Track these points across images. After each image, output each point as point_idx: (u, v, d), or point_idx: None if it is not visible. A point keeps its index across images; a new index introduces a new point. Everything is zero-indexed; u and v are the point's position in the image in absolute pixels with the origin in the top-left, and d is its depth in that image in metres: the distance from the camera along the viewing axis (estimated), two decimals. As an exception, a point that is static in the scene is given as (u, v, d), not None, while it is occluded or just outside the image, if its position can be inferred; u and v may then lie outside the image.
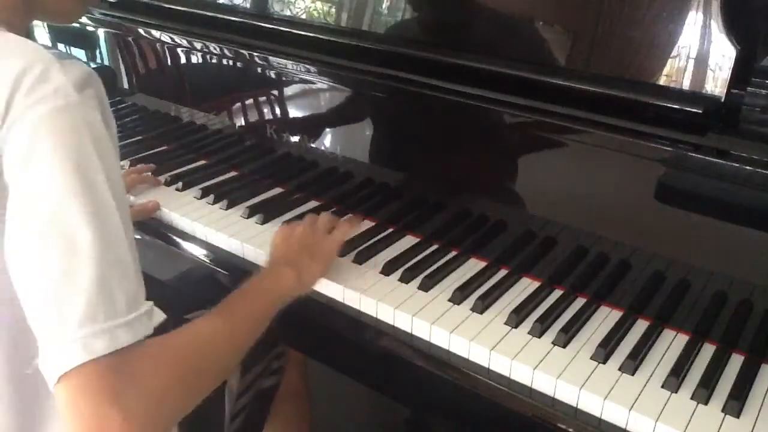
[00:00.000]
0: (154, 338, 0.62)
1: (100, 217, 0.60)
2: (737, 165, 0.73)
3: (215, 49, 1.18)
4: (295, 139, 1.13)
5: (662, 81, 0.81)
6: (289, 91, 1.11)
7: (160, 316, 0.66)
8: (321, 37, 1.07)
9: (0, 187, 0.60)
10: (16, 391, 0.69)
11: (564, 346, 0.80)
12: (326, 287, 0.92)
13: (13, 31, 0.67)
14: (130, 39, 1.32)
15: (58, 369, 0.57)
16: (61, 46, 1.47)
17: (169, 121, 1.34)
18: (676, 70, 0.80)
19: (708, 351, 0.80)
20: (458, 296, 0.88)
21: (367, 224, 1.06)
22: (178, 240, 1.08)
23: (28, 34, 0.72)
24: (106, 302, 0.59)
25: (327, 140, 1.10)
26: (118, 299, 0.60)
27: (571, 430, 0.73)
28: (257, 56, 1.12)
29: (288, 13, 1.15)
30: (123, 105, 1.41)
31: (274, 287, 0.84)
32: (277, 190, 1.18)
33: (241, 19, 1.17)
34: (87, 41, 1.40)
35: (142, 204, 1.12)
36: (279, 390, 1.16)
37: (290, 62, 1.08)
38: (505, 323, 0.84)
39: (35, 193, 0.59)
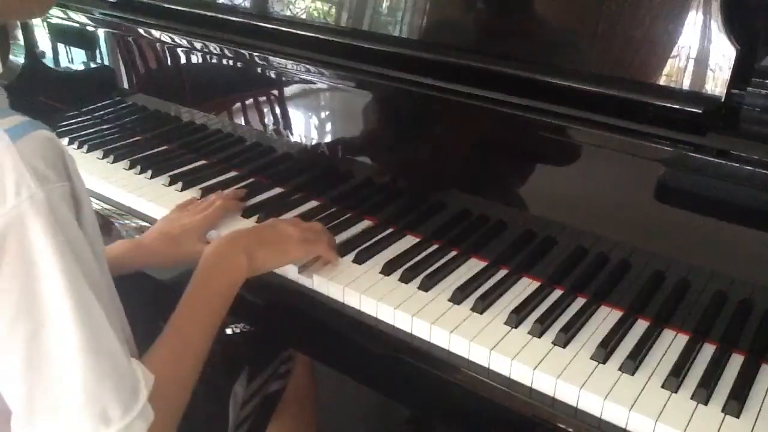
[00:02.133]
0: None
1: (85, 325, 0.57)
2: (737, 165, 0.73)
3: (215, 49, 1.18)
4: (295, 139, 1.13)
5: (662, 81, 0.81)
6: (289, 91, 1.11)
7: (149, 381, 0.64)
8: (321, 37, 1.07)
9: None
10: None
11: (564, 346, 0.80)
12: (326, 287, 0.92)
13: None
14: (130, 39, 1.32)
15: None
16: (61, 46, 1.47)
17: (169, 121, 1.34)
18: (676, 70, 0.80)
19: (708, 351, 0.80)
20: (458, 296, 0.88)
21: (367, 224, 1.06)
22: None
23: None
24: (99, 418, 0.57)
25: (327, 140, 1.10)
26: (112, 412, 0.58)
27: (571, 430, 0.73)
28: (257, 56, 1.12)
29: (288, 13, 1.15)
30: (123, 105, 1.41)
31: (228, 277, 0.82)
32: (277, 190, 1.18)
33: (241, 19, 1.17)
34: (87, 41, 1.40)
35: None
36: (285, 393, 1.16)
37: (290, 62, 1.08)
38: (505, 323, 0.84)
39: (9, 317, 0.54)
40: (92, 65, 1.42)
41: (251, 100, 1.19)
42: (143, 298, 0.94)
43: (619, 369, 0.76)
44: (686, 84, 0.79)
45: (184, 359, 0.73)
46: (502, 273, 0.94)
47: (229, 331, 1.16)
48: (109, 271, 0.72)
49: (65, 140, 1.33)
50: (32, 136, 0.56)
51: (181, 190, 1.17)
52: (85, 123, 1.44)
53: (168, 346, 0.73)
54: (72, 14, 1.39)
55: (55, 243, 0.55)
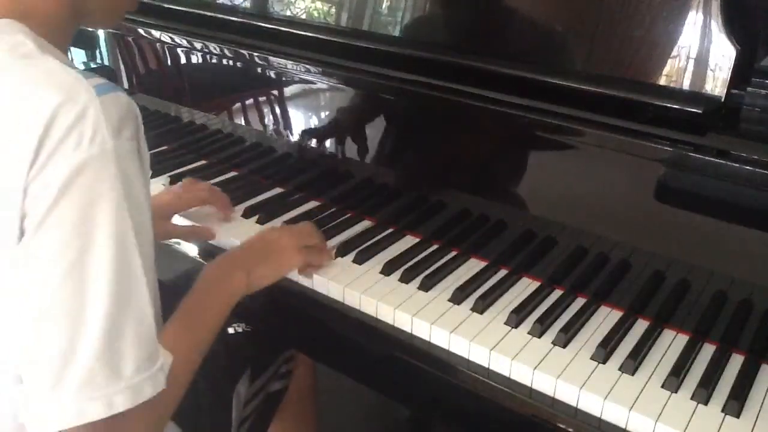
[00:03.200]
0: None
1: (122, 276, 0.59)
2: (737, 165, 0.73)
3: (215, 49, 1.17)
4: (295, 139, 1.13)
5: (662, 81, 0.81)
6: (289, 91, 1.11)
7: (167, 360, 0.66)
8: (321, 37, 1.07)
9: (15, 229, 0.58)
10: None
11: (564, 346, 0.80)
12: (326, 287, 0.92)
13: (58, 46, 0.65)
14: (130, 39, 1.32)
15: (43, 426, 0.58)
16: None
17: (169, 121, 1.34)
18: (676, 70, 0.80)
19: (708, 351, 0.80)
20: (458, 296, 0.88)
21: (367, 224, 1.06)
22: (178, 240, 1.07)
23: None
24: (110, 367, 0.58)
25: (327, 140, 1.10)
26: (126, 363, 0.59)
27: (571, 430, 0.73)
28: (257, 56, 1.12)
29: (288, 13, 1.15)
30: (123, 105, 1.41)
31: (224, 294, 0.83)
32: (277, 190, 1.18)
33: (241, 19, 1.17)
34: (87, 41, 1.40)
35: (196, 227, 1.06)
36: (287, 393, 1.16)
37: (290, 62, 1.08)
38: (505, 323, 0.84)
39: (56, 246, 0.57)
40: (92, 65, 1.42)
41: (251, 100, 1.19)
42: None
43: (619, 369, 0.76)
44: (686, 84, 0.79)
45: (177, 368, 0.71)
46: (502, 273, 0.94)
47: (231, 330, 1.16)
48: None
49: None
50: (114, 95, 0.61)
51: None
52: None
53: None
54: (72, 14, 1.39)
55: (116, 190, 0.58)
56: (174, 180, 1.19)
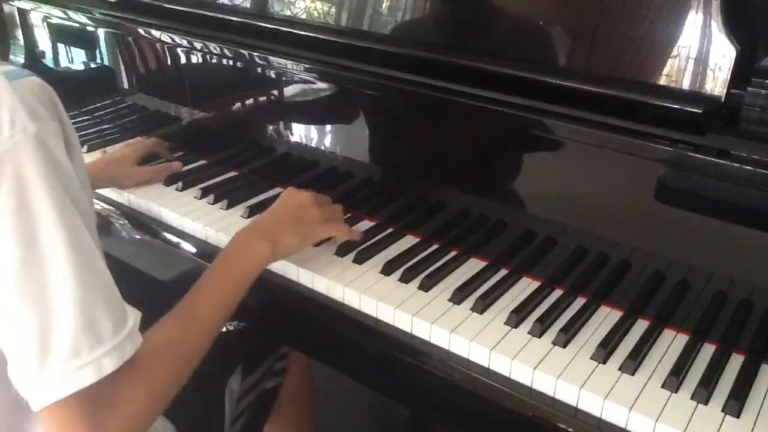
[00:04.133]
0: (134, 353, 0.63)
1: (75, 247, 0.59)
2: (737, 165, 0.72)
3: (215, 49, 1.17)
4: (295, 139, 1.13)
5: (662, 81, 0.81)
6: (289, 91, 1.11)
7: (137, 315, 0.67)
8: (321, 37, 1.07)
9: None
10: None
11: (564, 346, 0.80)
12: (327, 287, 0.92)
13: None
14: (130, 39, 1.32)
15: (40, 401, 0.58)
16: (61, 46, 1.47)
17: (169, 121, 1.34)
18: (676, 70, 0.80)
19: (708, 351, 0.80)
20: (458, 296, 0.88)
21: (367, 224, 1.06)
22: (178, 240, 1.08)
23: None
24: (90, 334, 0.59)
25: (327, 140, 1.10)
26: (104, 327, 0.60)
27: (571, 430, 0.73)
28: (257, 56, 1.12)
29: (288, 13, 1.15)
30: (123, 105, 1.41)
31: (248, 262, 0.84)
32: (277, 190, 1.18)
33: (241, 19, 1.17)
34: (87, 41, 1.40)
35: (163, 165, 1.20)
36: (282, 391, 1.16)
37: (290, 62, 1.08)
38: (505, 323, 0.84)
39: (3, 241, 0.57)
40: (92, 65, 1.42)
41: (251, 100, 1.19)
42: (146, 300, 0.94)
43: (619, 369, 0.76)
44: (686, 84, 0.79)
45: (190, 332, 0.74)
46: (502, 273, 0.94)
47: (222, 328, 1.16)
48: None
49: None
50: (27, 80, 0.62)
51: (181, 190, 1.17)
52: (86, 123, 1.44)
53: (177, 316, 0.74)
54: (72, 14, 1.39)
55: (46, 172, 0.58)
56: (173, 180, 1.19)
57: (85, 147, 1.31)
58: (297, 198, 0.94)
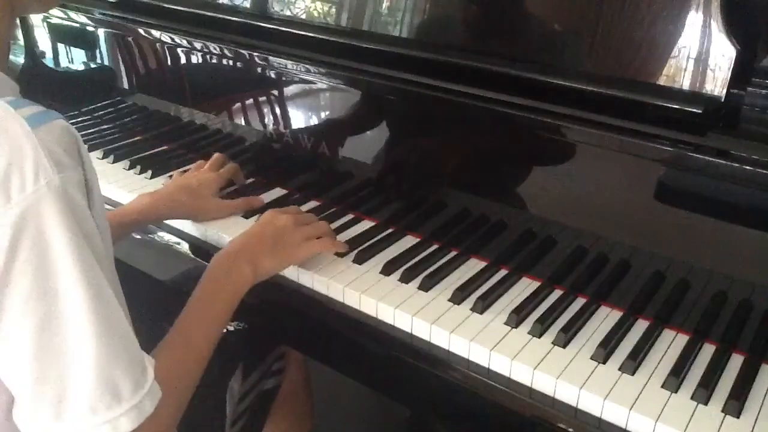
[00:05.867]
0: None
1: (97, 307, 0.58)
2: (737, 165, 0.72)
3: (215, 49, 1.17)
4: (295, 139, 1.13)
5: (662, 81, 0.81)
6: (289, 91, 1.11)
7: (152, 362, 0.66)
8: (321, 37, 1.07)
9: None
10: None
11: (564, 346, 0.80)
12: (327, 287, 0.92)
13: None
14: (130, 39, 1.32)
15: None
16: (61, 46, 1.47)
17: (169, 121, 1.34)
18: (676, 70, 0.80)
19: (708, 351, 0.80)
20: (458, 296, 0.88)
21: (367, 224, 1.06)
22: (178, 240, 1.08)
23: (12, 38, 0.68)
24: (109, 395, 0.58)
25: (327, 140, 1.10)
26: (123, 388, 0.59)
27: (571, 430, 0.73)
28: (257, 56, 1.12)
29: (288, 13, 1.15)
30: (123, 105, 1.41)
31: (232, 288, 0.83)
32: (277, 190, 1.18)
33: (241, 19, 1.17)
34: (87, 41, 1.40)
35: (245, 200, 1.10)
36: (280, 390, 1.16)
37: (290, 62, 1.08)
38: (505, 323, 0.84)
39: (26, 300, 0.55)
40: (92, 65, 1.42)
41: (251, 100, 1.19)
42: (146, 300, 0.94)
43: (619, 369, 0.76)
44: (686, 84, 0.79)
45: (187, 362, 0.74)
46: (502, 273, 0.94)
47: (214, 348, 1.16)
48: (131, 224, 0.95)
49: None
50: (50, 125, 0.58)
51: (181, 190, 1.17)
52: (86, 123, 1.44)
53: (172, 349, 0.74)
54: (72, 14, 1.39)
55: (70, 228, 0.56)
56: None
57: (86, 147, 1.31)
58: (276, 220, 0.93)
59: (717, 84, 0.77)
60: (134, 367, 0.61)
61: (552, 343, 0.80)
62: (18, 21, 1.46)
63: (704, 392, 0.72)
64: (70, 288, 0.56)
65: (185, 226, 1.08)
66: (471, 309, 0.86)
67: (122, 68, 1.37)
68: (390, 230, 1.04)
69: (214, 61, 1.20)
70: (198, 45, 1.20)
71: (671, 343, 0.81)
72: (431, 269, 0.94)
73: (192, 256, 1.05)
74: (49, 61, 1.50)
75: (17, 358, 0.57)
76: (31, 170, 0.54)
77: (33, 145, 0.54)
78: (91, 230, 0.60)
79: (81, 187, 0.59)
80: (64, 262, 0.56)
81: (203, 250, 1.04)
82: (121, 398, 0.59)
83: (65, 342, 0.56)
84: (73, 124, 0.67)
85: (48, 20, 1.45)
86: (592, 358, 0.78)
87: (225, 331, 1.14)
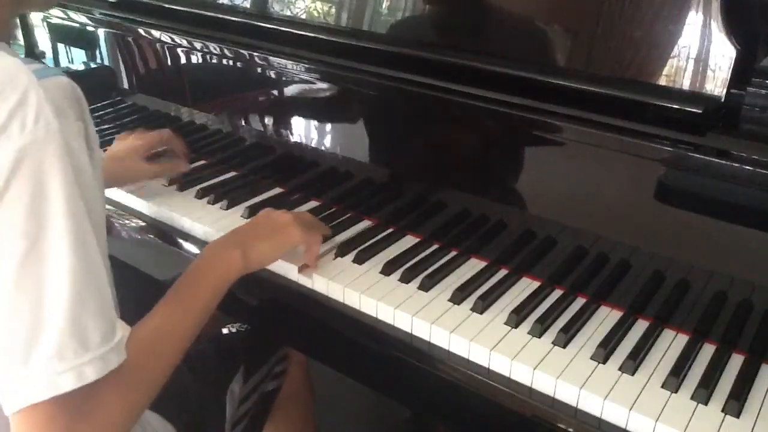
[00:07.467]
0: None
1: (78, 251, 0.59)
2: (737, 165, 0.72)
3: (215, 49, 1.17)
4: (294, 139, 1.13)
5: (662, 81, 0.81)
6: (289, 91, 1.11)
7: (126, 331, 0.67)
8: (321, 37, 1.07)
9: None
10: None
11: (564, 346, 0.80)
12: (327, 287, 0.92)
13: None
14: (130, 39, 1.32)
15: (17, 402, 0.58)
16: (61, 46, 1.47)
17: (169, 121, 1.34)
18: (676, 70, 0.80)
19: (708, 351, 0.80)
20: (458, 296, 0.88)
21: (367, 224, 1.06)
22: (178, 240, 1.08)
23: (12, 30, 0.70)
24: (77, 340, 0.59)
25: (327, 140, 1.10)
26: (92, 336, 0.60)
27: (571, 430, 0.73)
28: (257, 56, 1.12)
29: (288, 13, 1.15)
30: (123, 105, 1.41)
31: (219, 271, 0.83)
32: (277, 190, 1.18)
33: (241, 19, 1.17)
34: (87, 41, 1.40)
35: (166, 163, 1.16)
36: (282, 392, 1.16)
37: (290, 62, 1.08)
38: (505, 323, 0.84)
39: (11, 231, 0.57)
40: (92, 65, 1.42)
41: (251, 100, 1.19)
42: (142, 298, 0.94)
43: (619, 369, 0.76)
44: (686, 84, 0.79)
45: (165, 341, 0.74)
46: (502, 273, 0.94)
47: (225, 330, 1.16)
48: None
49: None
50: (55, 79, 0.63)
51: (181, 190, 1.17)
52: (85, 123, 1.44)
53: (151, 327, 0.74)
54: (72, 14, 1.39)
55: (64, 169, 0.59)
56: (173, 180, 1.19)
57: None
58: (274, 213, 0.94)
59: (717, 84, 0.77)
60: (105, 321, 0.62)
61: (552, 343, 0.80)
62: (18, 21, 1.46)
63: (704, 392, 0.72)
64: (57, 228, 0.58)
65: (185, 224, 1.08)
66: (471, 309, 0.86)
67: (122, 68, 1.37)
68: (390, 230, 1.04)
69: (214, 61, 1.20)
70: (198, 45, 1.20)
71: (671, 343, 0.81)
72: (431, 269, 0.94)
73: (192, 256, 1.05)
74: (49, 61, 1.50)
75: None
76: (32, 114, 0.57)
77: (36, 92, 0.58)
78: (87, 178, 0.62)
79: (80, 139, 0.63)
80: (55, 201, 0.58)
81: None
82: (88, 346, 0.60)
83: (44, 275, 0.58)
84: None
85: (48, 20, 1.45)
86: (592, 358, 0.78)
87: (226, 332, 1.15)
